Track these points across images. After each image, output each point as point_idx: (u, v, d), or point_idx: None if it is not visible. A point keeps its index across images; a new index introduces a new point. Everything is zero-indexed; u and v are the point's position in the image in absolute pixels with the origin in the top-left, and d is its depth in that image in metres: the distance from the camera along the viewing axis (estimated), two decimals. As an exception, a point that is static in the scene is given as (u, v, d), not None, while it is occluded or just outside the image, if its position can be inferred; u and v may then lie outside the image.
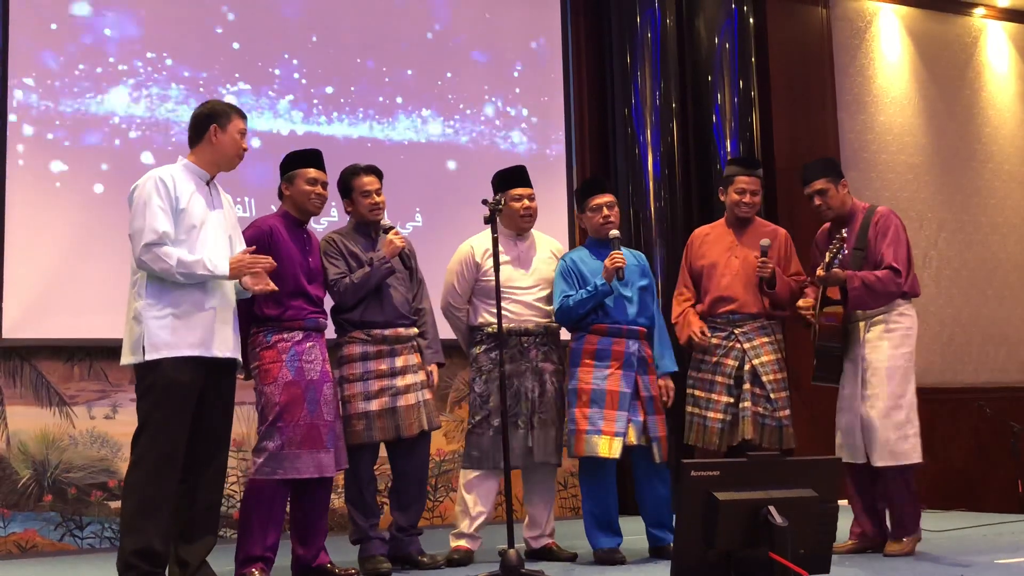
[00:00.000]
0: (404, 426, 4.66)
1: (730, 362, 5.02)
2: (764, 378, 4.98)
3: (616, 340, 4.83)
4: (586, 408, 4.77)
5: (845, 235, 4.74)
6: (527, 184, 5.09)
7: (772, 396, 4.97)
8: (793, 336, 5.66)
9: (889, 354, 4.77)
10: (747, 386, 4.97)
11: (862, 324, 4.82)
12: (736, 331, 5.05)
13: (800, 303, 4.98)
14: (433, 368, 4.90)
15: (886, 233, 4.83)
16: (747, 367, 4.99)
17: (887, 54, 8.91)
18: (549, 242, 5.23)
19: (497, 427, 4.83)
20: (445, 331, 5.18)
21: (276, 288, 4.17)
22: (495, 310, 4.83)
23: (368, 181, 4.81)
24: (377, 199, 4.80)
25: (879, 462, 4.70)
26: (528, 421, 4.87)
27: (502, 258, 4.92)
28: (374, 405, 4.63)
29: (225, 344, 4.06)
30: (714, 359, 5.04)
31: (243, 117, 4.23)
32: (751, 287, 5.06)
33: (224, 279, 4.05)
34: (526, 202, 5.04)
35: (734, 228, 5.21)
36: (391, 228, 4.75)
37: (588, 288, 4.81)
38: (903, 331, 4.81)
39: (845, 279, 4.73)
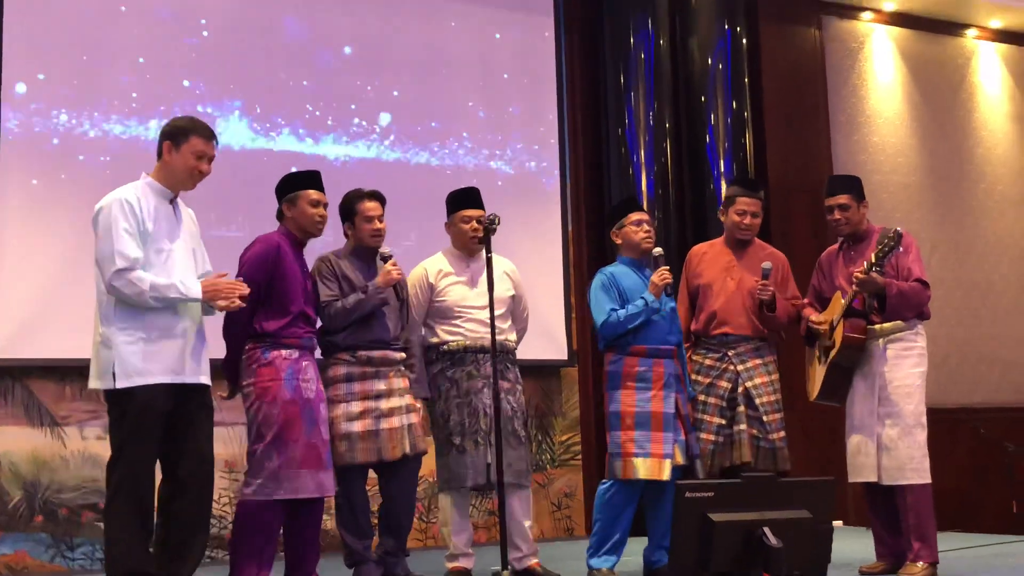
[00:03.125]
0: (386, 449, 4.63)
1: (724, 384, 5.02)
2: (757, 400, 4.97)
3: (656, 361, 4.81)
4: (631, 431, 4.73)
5: (899, 230, 4.63)
6: (479, 206, 5.09)
7: (765, 419, 4.95)
8: (789, 356, 5.66)
9: (908, 372, 4.76)
10: (741, 408, 4.96)
11: (880, 341, 4.81)
12: (730, 352, 5.04)
13: (813, 318, 4.97)
14: (419, 404, 4.90)
15: (908, 250, 4.82)
16: (740, 389, 4.99)
17: (880, 75, 8.94)
18: (503, 263, 5.18)
19: (459, 445, 4.85)
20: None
21: (244, 304, 4.11)
22: (452, 329, 4.95)
23: (371, 207, 4.81)
24: (379, 225, 4.81)
25: (903, 480, 4.67)
26: (486, 439, 4.83)
27: (455, 278, 5.00)
28: (357, 426, 4.61)
29: (197, 369, 4.03)
30: (708, 380, 5.04)
31: (207, 137, 4.10)
32: (746, 309, 5.06)
33: (196, 302, 4.02)
34: (474, 223, 5.02)
35: (733, 249, 5.21)
36: (390, 257, 4.74)
37: (637, 304, 4.79)
38: (919, 350, 4.82)
39: (884, 285, 4.71)
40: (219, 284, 4.00)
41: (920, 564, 4.62)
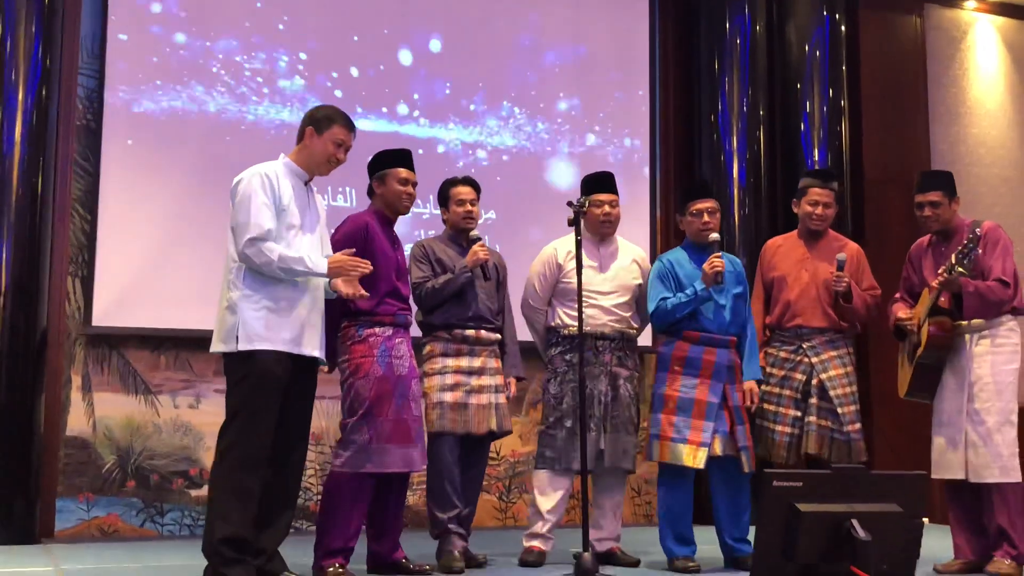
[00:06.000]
0: (474, 423, 4.75)
1: (798, 376, 4.99)
2: (832, 392, 4.93)
3: (708, 349, 4.80)
4: (672, 415, 4.75)
5: (978, 232, 4.59)
6: (612, 190, 5.11)
7: (839, 410, 4.91)
8: (879, 350, 5.57)
9: (999, 369, 4.68)
10: (813, 400, 4.93)
11: (968, 337, 4.72)
12: (804, 345, 5.01)
13: (901, 314, 4.90)
14: (511, 381, 5.00)
15: (995, 246, 4.74)
16: (815, 381, 4.95)
17: (982, 65, 8.71)
18: (633, 249, 5.24)
19: (570, 428, 4.87)
20: (524, 334, 5.21)
21: (367, 295, 4.22)
22: (574, 313, 4.91)
23: (464, 191, 4.97)
24: (471, 208, 4.94)
25: (991, 478, 4.59)
26: (600, 424, 4.88)
27: (585, 262, 4.94)
28: (448, 397, 4.74)
29: (313, 343, 4.13)
30: (782, 373, 5.00)
31: (348, 128, 4.25)
32: (820, 300, 5.02)
33: (321, 278, 4.11)
34: (607, 208, 5.07)
35: (806, 240, 5.17)
36: (478, 239, 4.86)
37: (687, 292, 4.79)
38: (1012, 347, 4.72)
39: (962, 285, 4.64)
40: (344, 260, 4.09)
41: (1008, 561, 4.56)
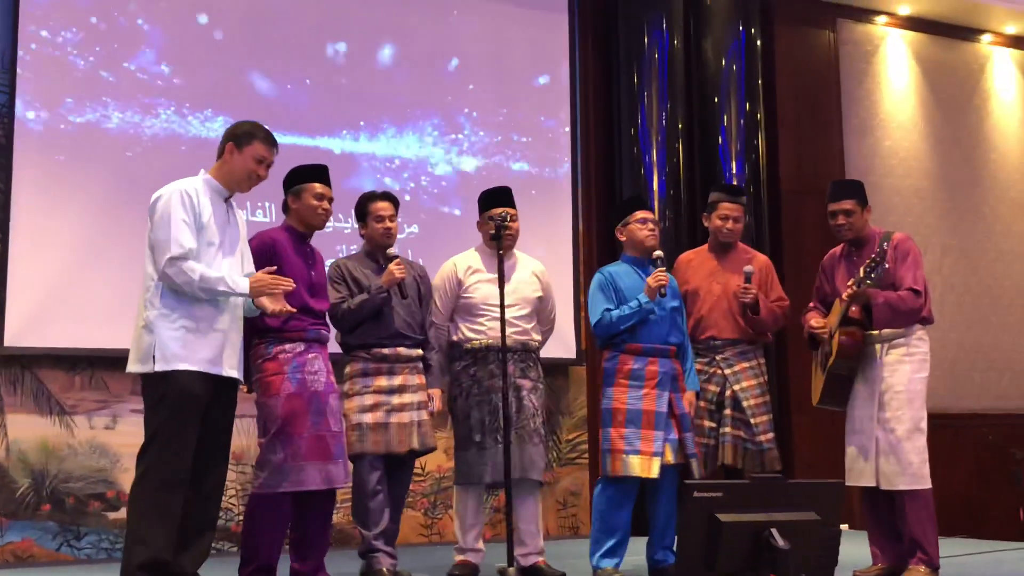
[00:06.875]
0: (395, 442, 4.72)
1: (712, 387, 5.08)
2: (744, 403, 5.02)
3: (651, 360, 4.82)
4: (622, 428, 4.76)
5: (885, 247, 4.70)
6: (511, 204, 5.11)
7: (752, 421, 5.01)
8: (796, 359, 5.65)
9: (909, 378, 4.76)
10: (727, 411, 5.03)
11: (879, 346, 4.81)
12: (717, 356, 5.11)
13: (813, 323, 4.98)
14: (436, 392, 4.96)
15: (905, 257, 4.83)
16: (728, 393, 5.05)
17: (894, 79, 8.92)
18: (532, 263, 5.25)
19: (478, 442, 4.89)
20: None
21: (294, 310, 4.17)
22: (476, 327, 4.98)
23: (383, 207, 4.92)
24: (390, 224, 4.90)
25: (902, 485, 4.66)
26: (506, 437, 4.85)
27: (484, 275, 5.02)
28: (368, 418, 4.70)
29: (232, 363, 4.07)
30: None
31: (269, 143, 4.18)
32: (731, 313, 5.12)
33: (243, 297, 4.05)
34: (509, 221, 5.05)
35: (716, 253, 5.28)
36: (395, 258, 4.82)
37: (631, 305, 4.81)
38: (921, 356, 4.81)
39: (871, 296, 4.73)
40: (265, 279, 4.03)
41: (922, 568, 4.61)
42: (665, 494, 4.85)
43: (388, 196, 4.99)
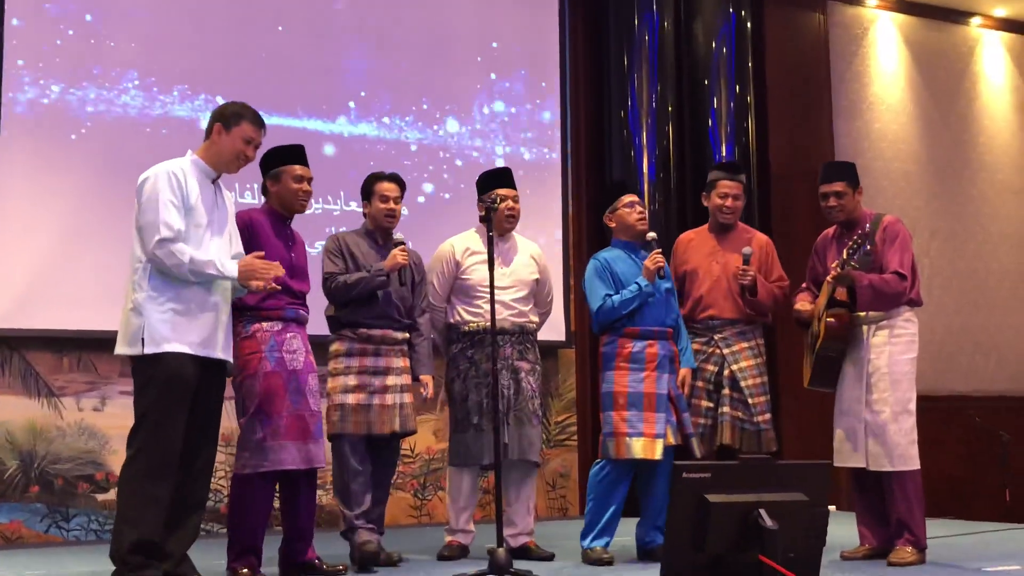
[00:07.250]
0: (377, 424, 4.69)
1: (710, 367, 5.07)
2: (743, 383, 5.02)
3: (649, 343, 4.82)
4: (624, 411, 4.75)
5: (867, 231, 4.72)
6: (511, 186, 5.12)
7: (750, 401, 5.00)
8: (786, 341, 5.66)
9: (896, 359, 4.76)
10: (726, 391, 5.02)
11: (866, 328, 4.81)
12: (716, 336, 5.10)
13: (799, 306, 4.99)
14: (427, 379, 4.94)
15: (894, 240, 4.83)
16: (726, 372, 5.04)
17: (884, 62, 8.92)
18: (529, 246, 5.26)
19: (476, 424, 4.90)
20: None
21: (279, 288, 4.15)
22: (473, 309, 4.99)
23: (389, 187, 4.89)
24: (394, 206, 4.87)
25: (890, 466, 4.68)
26: (503, 418, 4.88)
27: (482, 257, 4.99)
28: (350, 399, 4.68)
29: (220, 345, 4.05)
30: (696, 364, 5.06)
31: (257, 124, 4.15)
32: (730, 293, 5.10)
33: (231, 281, 4.03)
34: (510, 203, 5.08)
35: (716, 233, 5.26)
36: (401, 243, 4.78)
37: (631, 288, 4.80)
38: (909, 337, 4.81)
39: (855, 279, 4.73)
40: (254, 264, 4.01)
41: (909, 549, 4.64)
42: (663, 476, 4.86)
43: (395, 178, 4.95)
